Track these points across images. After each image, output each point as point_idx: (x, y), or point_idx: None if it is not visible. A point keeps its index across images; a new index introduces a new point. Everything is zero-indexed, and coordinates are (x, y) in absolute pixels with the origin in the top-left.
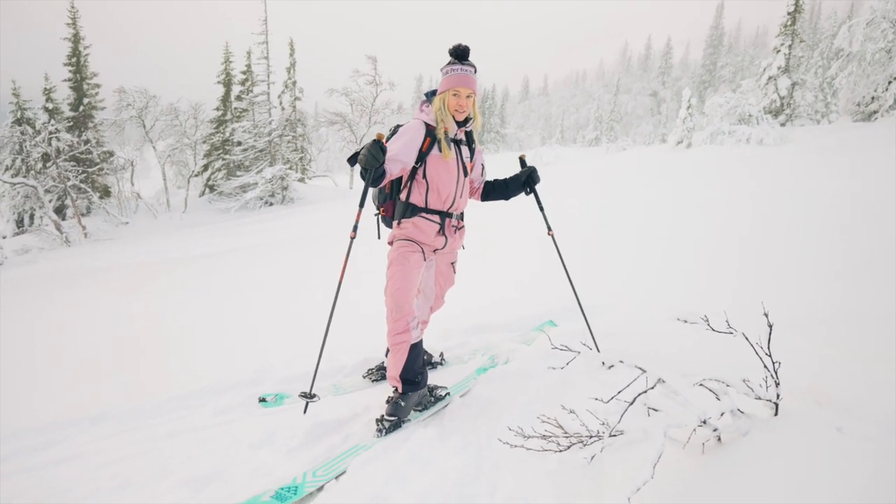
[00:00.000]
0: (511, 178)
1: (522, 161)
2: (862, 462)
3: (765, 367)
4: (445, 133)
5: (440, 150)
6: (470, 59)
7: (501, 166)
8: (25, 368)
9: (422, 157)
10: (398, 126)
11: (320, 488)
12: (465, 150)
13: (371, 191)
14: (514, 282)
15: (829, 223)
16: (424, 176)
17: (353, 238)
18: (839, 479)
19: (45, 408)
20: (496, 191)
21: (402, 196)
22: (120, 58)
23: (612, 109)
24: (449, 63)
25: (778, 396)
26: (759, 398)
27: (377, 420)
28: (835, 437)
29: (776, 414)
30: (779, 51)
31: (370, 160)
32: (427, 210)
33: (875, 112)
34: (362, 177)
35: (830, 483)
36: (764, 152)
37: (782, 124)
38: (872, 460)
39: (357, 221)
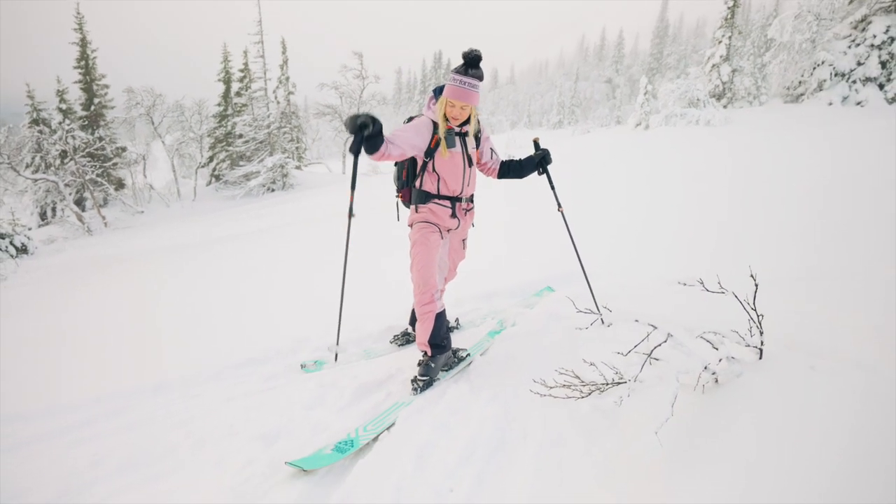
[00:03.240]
0: (526, 159)
1: (536, 144)
2: (830, 392)
3: (750, 319)
4: (448, 131)
5: (446, 147)
6: (480, 65)
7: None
8: (87, 344)
9: (430, 152)
10: (412, 118)
11: (375, 439)
12: (471, 141)
13: (392, 174)
14: (516, 253)
15: (787, 191)
16: (434, 169)
17: (350, 218)
18: (813, 406)
19: (110, 378)
20: (512, 170)
21: (417, 184)
22: (125, 59)
23: (572, 95)
24: (456, 70)
25: (762, 344)
26: (748, 345)
27: (412, 380)
28: (809, 374)
29: (760, 358)
30: (720, 41)
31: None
32: (439, 196)
33: (801, 95)
34: (353, 151)
35: (806, 409)
36: (713, 131)
37: (724, 107)
38: (839, 390)
39: (351, 203)
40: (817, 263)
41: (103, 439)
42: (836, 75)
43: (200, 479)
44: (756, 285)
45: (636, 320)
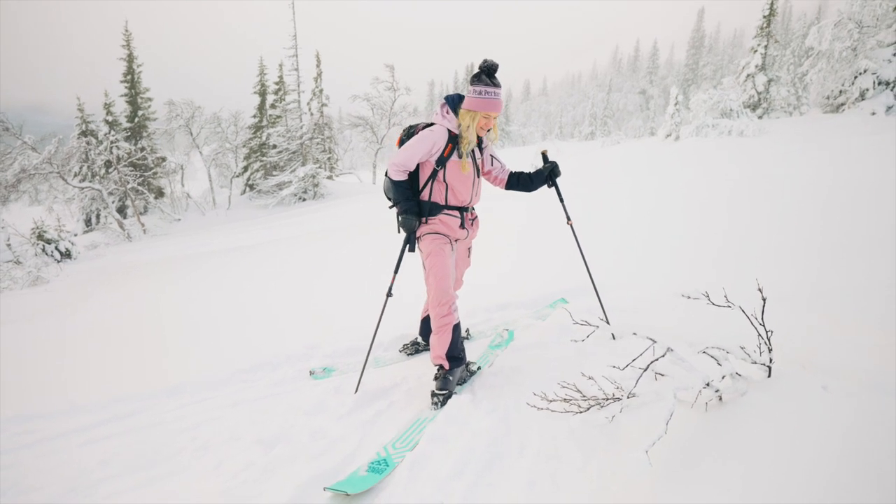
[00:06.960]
0: (535, 173)
1: (545, 156)
2: (844, 415)
3: (759, 335)
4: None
5: (459, 158)
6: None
7: (507, 161)
8: (110, 345)
9: (442, 161)
10: (412, 127)
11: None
12: (476, 151)
13: (384, 185)
14: (529, 264)
15: (808, 205)
16: (444, 178)
17: (389, 297)
18: (824, 431)
19: (129, 380)
20: (521, 183)
21: (424, 195)
22: (168, 73)
23: (605, 107)
24: (481, 81)
25: (771, 361)
26: (755, 363)
27: (432, 394)
28: (821, 394)
29: (769, 376)
30: (755, 51)
31: (407, 225)
32: (448, 207)
33: (842, 104)
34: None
35: (817, 433)
36: (745, 142)
37: (759, 117)
38: (853, 414)
39: (392, 284)
40: (828, 277)
41: (114, 440)
42: (879, 84)
43: (198, 483)
44: (764, 299)
45: (634, 333)
